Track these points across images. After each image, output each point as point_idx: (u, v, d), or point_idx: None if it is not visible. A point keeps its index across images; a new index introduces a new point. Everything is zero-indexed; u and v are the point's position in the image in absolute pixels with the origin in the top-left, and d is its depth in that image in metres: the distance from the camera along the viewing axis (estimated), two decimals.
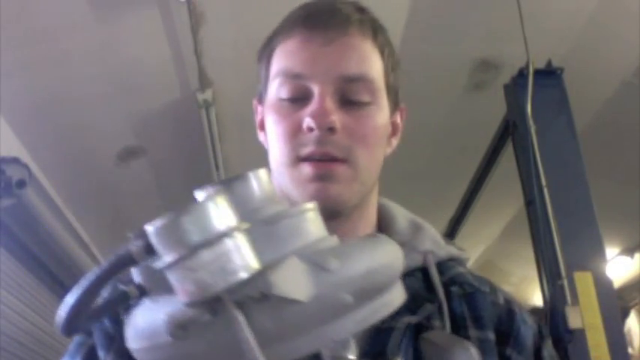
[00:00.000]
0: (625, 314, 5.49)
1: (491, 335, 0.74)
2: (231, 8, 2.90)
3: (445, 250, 0.81)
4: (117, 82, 3.18)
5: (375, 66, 0.75)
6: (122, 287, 0.49)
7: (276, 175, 0.76)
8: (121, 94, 3.28)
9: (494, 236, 5.17)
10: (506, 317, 0.76)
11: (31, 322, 3.28)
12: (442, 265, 0.79)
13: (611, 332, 2.43)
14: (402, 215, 0.84)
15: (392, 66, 0.79)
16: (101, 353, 0.71)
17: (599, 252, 2.63)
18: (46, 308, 3.49)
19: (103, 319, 0.68)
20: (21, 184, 2.68)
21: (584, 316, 2.42)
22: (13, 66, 2.85)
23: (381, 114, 0.76)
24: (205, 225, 0.41)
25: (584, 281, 2.51)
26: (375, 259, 0.48)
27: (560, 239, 2.58)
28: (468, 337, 0.72)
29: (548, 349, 0.78)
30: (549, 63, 2.93)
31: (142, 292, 0.48)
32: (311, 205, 0.51)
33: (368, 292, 0.47)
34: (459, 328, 0.73)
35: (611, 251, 5.28)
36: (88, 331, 0.72)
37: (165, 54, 3.09)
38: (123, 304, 0.49)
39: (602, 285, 2.53)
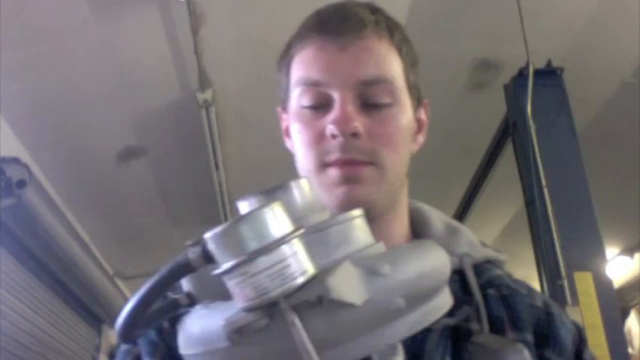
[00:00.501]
0: (625, 314, 5.49)
1: (529, 337, 0.74)
2: (231, 8, 2.90)
3: (482, 252, 0.81)
4: (117, 82, 3.18)
5: (393, 66, 0.75)
6: (172, 295, 0.49)
7: None
8: (121, 94, 3.27)
9: (494, 236, 5.17)
10: (545, 319, 0.76)
11: (31, 322, 3.28)
12: (479, 268, 0.79)
13: (611, 332, 2.43)
14: (437, 217, 0.84)
15: (411, 63, 0.79)
16: None
17: (599, 252, 2.63)
18: (46, 308, 3.49)
19: (155, 326, 0.68)
20: (21, 184, 2.68)
21: (584, 316, 2.42)
22: (13, 66, 2.85)
23: (404, 113, 0.76)
24: (263, 231, 0.42)
25: (584, 281, 2.51)
26: (425, 263, 0.49)
27: (560, 239, 2.58)
28: None
29: (589, 353, 0.77)
30: (549, 63, 2.93)
31: (192, 300, 0.49)
32: (358, 212, 0.52)
33: (418, 296, 0.47)
34: (496, 331, 0.73)
35: (611, 251, 5.28)
36: (133, 340, 0.72)
37: (165, 54, 3.08)
38: (173, 311, 0.49)
39: (602, 285, 2.53)
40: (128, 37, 2.95)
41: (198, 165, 3.86)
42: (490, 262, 0.81)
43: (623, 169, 4.15)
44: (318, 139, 0.73)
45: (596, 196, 2.69)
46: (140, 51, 3.04)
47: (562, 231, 2.60)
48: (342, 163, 0.71)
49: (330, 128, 0.71)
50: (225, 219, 4.38)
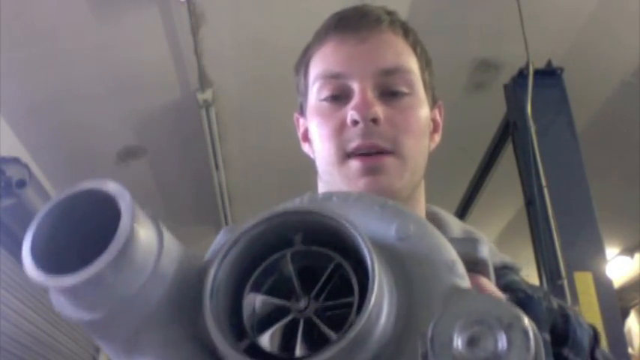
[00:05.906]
0: (625, 314, 5.49)
1: (546, 336, 0.74)
2: (231, 8, 2.90)
3: (499, 257, 0.82)
4: (117, 81, 3.18)
5: (410, 59, 0.77)
6: None
7: (324, 177, 0.77)
8: (121, 94, 3.27)
9: (494, 236, 5.17)
10: (561, 320, 0.77)
11: (31, 322, 3.28)
12: (496, 273, 0.79)
13: (611, 332, 2.43)
14: (454, 222, 0.84)
15: (426, 63, 0.81)
16: None
17: (599, 252, 2.63)
18: (46, 308, 3.48)
19: None
20: (21, 184, 2.68)
21: (584, 316, 2.41)
22: (13, 66, 2.85)
23: (422, 106, 0.77)
24: None
25: (584, 281, 2.51)
26: None
27: (560, 239, 2.58)
28: None
29: (601, 351, 0.78)
30: (549, 63, 2.94)
31: None
32: None
33: None
34: None
35: (611, 251, 5.28)
36: None
37: (165, 54, 3.08)
38: None
39: (602, 285, 2.53)
40: (128, 37, 2.96)
41: (198, 165, 3.86)
42: (507, 267, 0.82)
43: (624, 169, 4.14)
44: (339, 129, 0.73)
45: (596, 196, 2.69)
46: (140, 51, 3.04)
47: (562, 231, 2.59)
48: (363, 154, 0.72)
49: (351, 114, 0.72)
50: (225, 219, 4.38)
